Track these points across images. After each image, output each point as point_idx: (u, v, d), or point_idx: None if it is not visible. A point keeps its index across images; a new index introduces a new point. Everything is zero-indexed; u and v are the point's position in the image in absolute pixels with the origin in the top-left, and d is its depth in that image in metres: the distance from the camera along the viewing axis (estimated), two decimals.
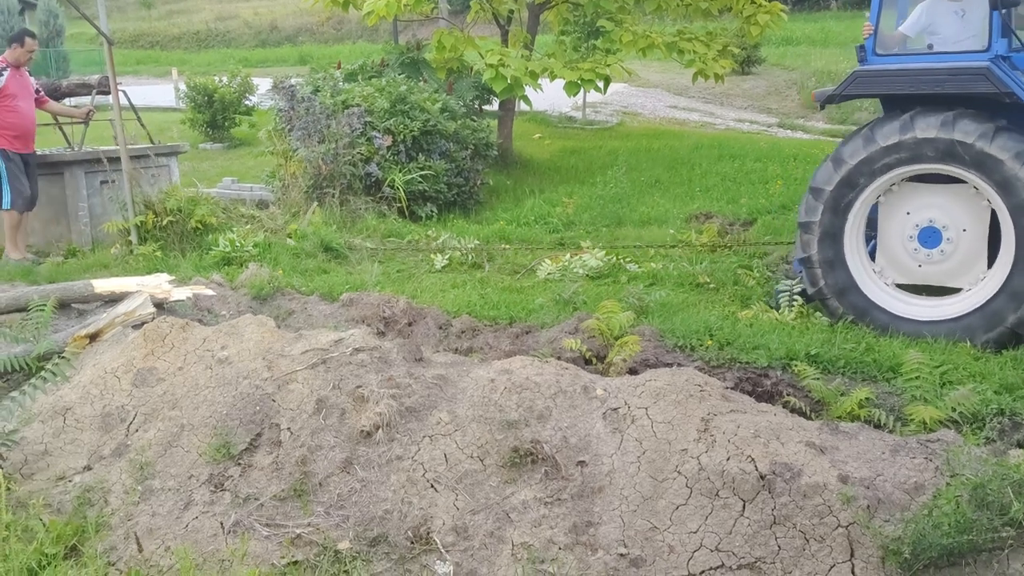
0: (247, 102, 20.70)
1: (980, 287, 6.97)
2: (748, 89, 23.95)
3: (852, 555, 4.33)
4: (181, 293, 7.59)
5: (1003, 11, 6.69)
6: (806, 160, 14.88)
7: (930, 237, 7.15)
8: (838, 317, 7.36)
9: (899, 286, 7.38)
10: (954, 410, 5.64)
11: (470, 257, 9.96)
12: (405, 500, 5.02)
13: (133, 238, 9.62)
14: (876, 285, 7.35)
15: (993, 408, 5.75)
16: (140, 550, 4.94)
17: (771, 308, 7.97)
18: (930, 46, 7.39)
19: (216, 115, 20.24)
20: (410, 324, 7.61)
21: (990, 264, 7.00)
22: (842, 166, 7.15)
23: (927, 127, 6.79)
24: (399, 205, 11.81)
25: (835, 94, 7.44)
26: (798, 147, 16.56)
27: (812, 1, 36.90)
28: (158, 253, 9.43)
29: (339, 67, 15.98)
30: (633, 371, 6.32)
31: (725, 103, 23.15)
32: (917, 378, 6.00)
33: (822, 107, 8.24)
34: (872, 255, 7.49)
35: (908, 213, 7.21)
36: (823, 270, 7.35)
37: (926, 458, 4.69)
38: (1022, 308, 6.67)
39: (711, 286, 8.90)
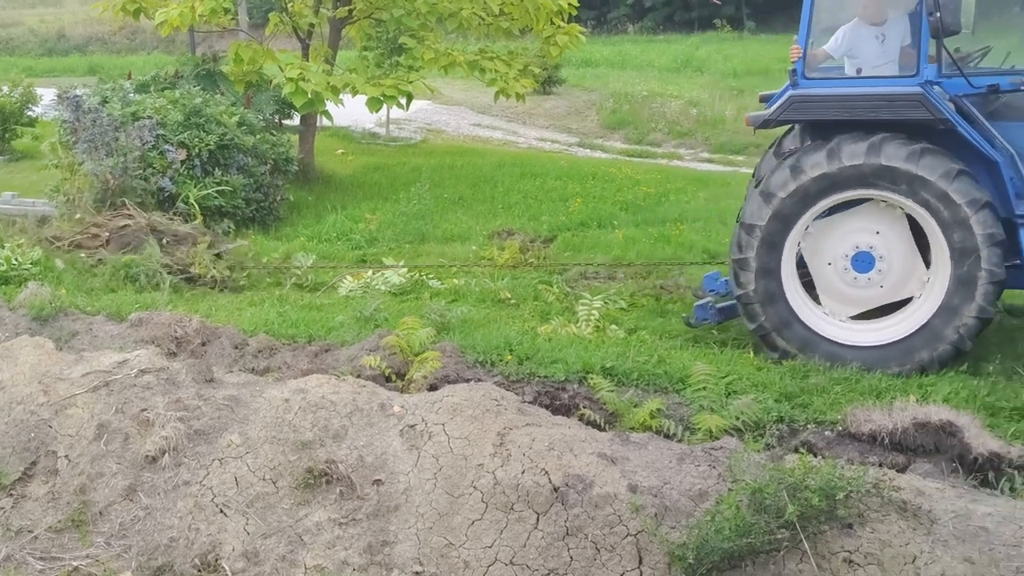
0: (30, 113, 19.49)
1: (928, 293, 7.00)
2: (549, 109, 24.44)
3: (640, 562, 4.45)
4: None
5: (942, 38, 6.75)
6: (604, 179, 15.30)
7: (863, 262, 7.16)
8: (781, 352, 7.25)
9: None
10: (738, 418, 5.92)
11: (268, 274, 9.72)
12: (192, 526, 4.83)
13: None
14: (815, 314, 7.28)
15: (773, 416, 6.08)
16: None
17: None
18: (859, 71, 7.47)
19: None
20: (204, 344, 7.34)
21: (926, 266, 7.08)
22: (772, 199, 7.09)
23: (854, 155, 6.83)
24: (194, 221, 11.38)
25: (771, 119, 7.42)
26: (596, 166, 17.00)
27: (610, 25, 38.14)
28: None
29: (130, 77, 15.31)
30: (434, 387, 6.31)
31: (527, 122, 23.53)
32: (704, 388, 6.26)
33: (756, 131, 8.17)
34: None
35: (831, 250, 7.24)
36: (762, 305, 7.23)
37: (710, 465, 4.88)
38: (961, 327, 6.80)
39: (512, 302, 9.02)
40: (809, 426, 6.02)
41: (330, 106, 13.91)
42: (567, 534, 4.57)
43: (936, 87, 6.88)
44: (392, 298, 9.00)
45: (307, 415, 5.34)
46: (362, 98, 13.62)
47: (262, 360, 7.17)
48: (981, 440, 5.58)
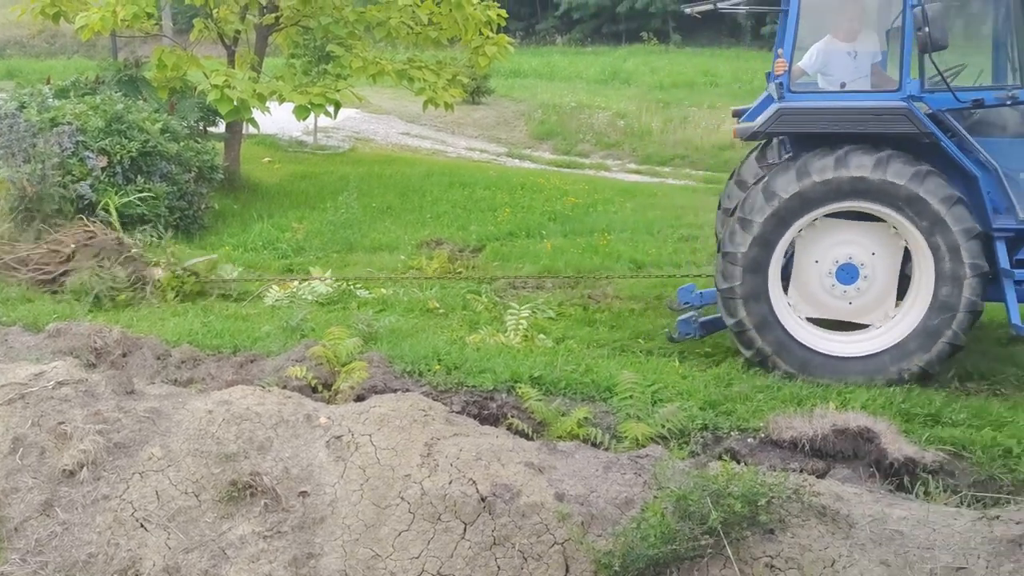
0: None
1: (892, 324, 7.12)
2: (479, 119, 24.48)
3: (567, 571, 4.48)
4: None
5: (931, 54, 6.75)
6: (532, 189, 15.37)
7: (847, 274, 7.20)
8: (754, 351, 7.25)
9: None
10: (663, 426, 5.98)
11: (193, 283, 9.55)
12: (112, 542, 4.73)
13: None
14: (793, 319, 7.29)
15: (698, 423, 6.16)
16: None
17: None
18: (843, 85, 7.49)
19: None
20: (125, 355, 7.19)
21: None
22: (774, 199, 7.06)
23: (860, 166, 6.85)
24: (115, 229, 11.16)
25: (760, 131, 7.39)
26: (525, 176, 17.07)
27: (539, 36, 38.42)
28: None
29: (49, 82, 14.96)
30: (361, 398, 6.27)
31: (456, 132, 23.55)
32: (631, 397, 6.31)
33: (744, 141, 8.19)
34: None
35: (825, 251, 7.27)
36: (744, 302, 7.20)
37: (636, 473, 4.94)
38: (934, 348, 6.90)
39: (440, 311, 9.00)
40: (732, 433, 6.12)
41: (256, 114, 13.77)
42: (494, 543, 4.58)
43: (918, 102, 6.96)
44: (319, 308, 8.92)
45: (231, 427, 5.27)
46: (289, 106, 13.50)
47: (185, 371, 7.06)
48: (897, 445, 5.74)
